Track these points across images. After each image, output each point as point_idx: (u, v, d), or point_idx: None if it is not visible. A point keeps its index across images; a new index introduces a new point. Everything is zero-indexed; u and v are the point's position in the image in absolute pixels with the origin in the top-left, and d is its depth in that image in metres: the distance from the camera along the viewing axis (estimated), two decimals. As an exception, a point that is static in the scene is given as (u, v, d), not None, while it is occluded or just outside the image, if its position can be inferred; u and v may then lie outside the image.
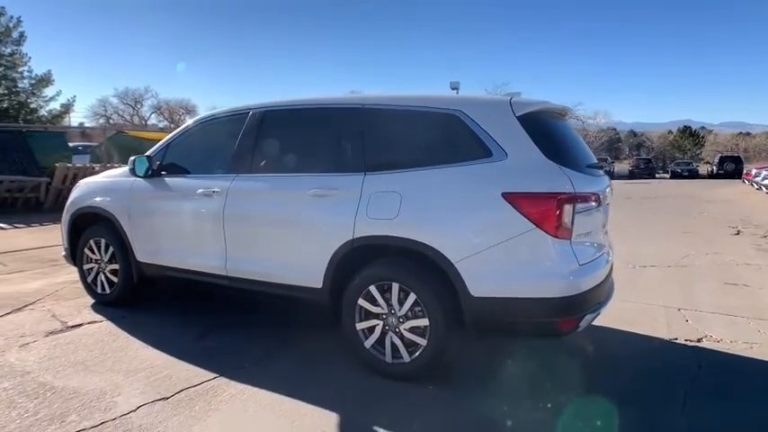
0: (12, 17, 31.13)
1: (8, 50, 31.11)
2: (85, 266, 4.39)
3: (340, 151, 3.25)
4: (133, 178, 3.97)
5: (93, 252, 4.31)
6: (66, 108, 31.71)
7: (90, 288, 4.39)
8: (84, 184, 4.46)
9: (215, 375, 3.07)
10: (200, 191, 3.64)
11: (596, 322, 4.17)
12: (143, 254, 4.01)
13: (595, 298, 2.91)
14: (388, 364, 3.03)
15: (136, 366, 3.16)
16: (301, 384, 2.98)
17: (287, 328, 3.88)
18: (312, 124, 3.44)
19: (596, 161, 3.42)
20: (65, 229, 4.49)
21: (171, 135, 4.06)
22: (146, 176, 3.88)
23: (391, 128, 3.16)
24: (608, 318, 4.31)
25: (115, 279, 4.21)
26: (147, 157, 3.90)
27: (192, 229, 3.73)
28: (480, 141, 2.85)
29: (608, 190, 3.35)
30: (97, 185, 4.33)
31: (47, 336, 3.61)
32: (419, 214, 2.89)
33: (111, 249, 4.18)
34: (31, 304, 4.31)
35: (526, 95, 3.30)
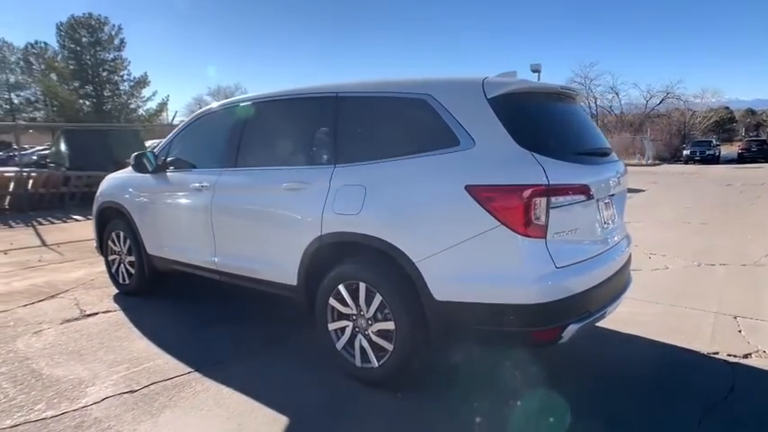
0: (113, 25, 34.35)
1: (111, 56, 34.42)
2: (110, 257, 4.64)
3: (314, 143, 3.09)
4: (143, 174, 4.09)
5: (115, 244, 4.53)
6: (162, 107, 34.46)
7: (114, 278, 4.63)
8: (108, 179, 4.70)
9: (191, 370, 3.08)
10: (193, 185, 3.67)
11: (621, 328, 3.74)
12: (152, 247, 4.14)
13: (586, 304, 2.53)
14: (358, 368, 2.86)
15: (123, 357, 3.26)
16: (272, 384, 2.90)
17: (285, 323, 3.82)
18: (290, 115, 3.32)
19: (601, 147, 2.97)
20: (93, 221, 4.78)
21: (175, 130, 4.14)
22: (148, 172, 3.98)
23: (361, 116, 2.95)
24: (639, 322, 3.82)
25: (133, 270, 4.40)
26: (151, 152, 4.00)
27: (188, 223, 3.78)
28: (448, 128, 2.55)
29: (615, 179, 2.90)
30: (117, 180, 4.53)
31: (62, 323, 3.85)
32: (381, 210, 2.67)
33: (128, 242, 4.37)
34: (64, 292, 4.64)
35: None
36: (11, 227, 8.40)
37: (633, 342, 3.52)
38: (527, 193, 2.30)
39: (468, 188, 2.40)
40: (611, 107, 45.06)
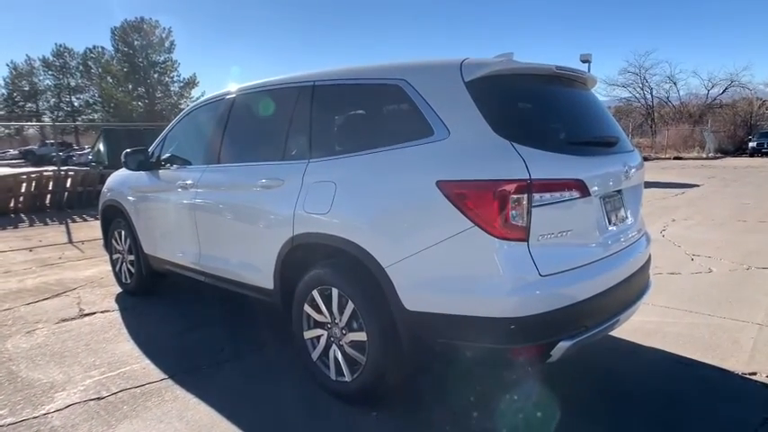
0: (164, 28, 35.73)
1: (161, 58, 35.86)
2: (113, 256, 4.62)
3: (290, 136, 2.86)
4: (137, 171, 4.01)
5: (118, 242, 4.50)
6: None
7: (117, 277, 4.61)
8: (112, 176, 4.67)
9: (165, 377, 2.94)
10: (179, 183, 3.54)
11: (645, 340, 3.31)
12: (147, 246, 4.07)
13: (581, 318, 2.17)
14: (333, 381, 2.62)
15: (103, 360, 3.16)
16: (243, 396, 2.70)
17: (275, 329, 3.63)
18: (269, 107, 3.10)
19: (607, 136, 2.57)
20: (100, 219, 4.77)
21: (168, 126, 4.03)
22: (136, 169, 3.89)
23: (335, 107, 2.70)
24: (667, 334, 3.39)
25: (133, 270, 4.35)
26: (142, 149, 3.91)
27: (175, 222, 3.65)
28: (422, 116, 2.26)
29: (625, 173, 2.51)
30: (118, 178, 4.49)
31: (57, 323, 3.82)
32: (350, 208, 2.41)
33: (128, 241, 4.32)
34: (71, 290, 4.65)
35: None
36: (46, 224, 8.71)
37: (655, 357, 3.10)
38: (503, 188, 1.98)
39: (440, 184, 2.10)
40: (668, 98, 42.53)
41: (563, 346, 2.09)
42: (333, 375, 2.61)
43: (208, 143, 3.41)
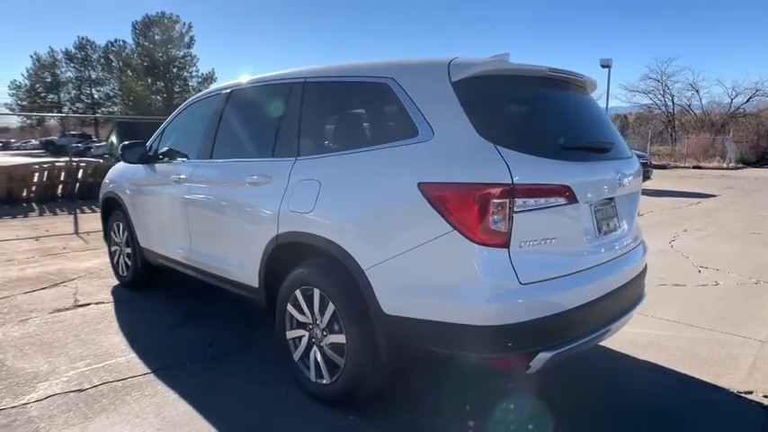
0: (184, 23, 36.16)
1: (181, 53, 36.34)
2: (111, 248, 4.64)
3: (281, 133, 2.83)
4: (135, 164, 4.02)
5: (116, 235, 4.52)
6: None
7: (115, 269, 4.63)
8: (112, 169, 4.70)
9: (148, 371, 2.93)
10: (173, 177, 3.54)
11: (640, 353, 3.21)
12: (143, 240, 4.07)
13: (564, 329, 2.10)
14: (312, 383, 2.58)
15: (90, 352, 3.17)
16: (223, 394, 2.68)
17: (267, 326, 3.60)
18: (261, 103, 3.07)
19: (602, 141, 2.49)
20: (100, 210, 4.80)
21: (167, 120, 4.04)
22: (137, 162, 3.90)
23: (325, 104, 2.67)
24: (664, 348, 3.29)
25: (130, 262, 4.36)
26: (140, 142, 3.92)
27: (168, 216, 3.65)
28: (408, 116, 2.21)
29: (618, 180, 2.43)
30: (117, 170, 4.51)
31: (51, 313, 3.85)
32: (333, 208, 2.37)
33: (126, 233, 4.34)
34: (69, 281, 4.69)
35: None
36: (56, 214, 8.83)
37: (648, 371, 3.01)
38: (484, 192, 1.92)
39: (421, 186, 2.05)
40: (689, 105, 41.68)
41: (543, 357, 2.02)
42: (313, 377, 2.57)
43: (202, 138, 3.40)
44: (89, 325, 3.62)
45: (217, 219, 3.16)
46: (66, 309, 3.95)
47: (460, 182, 1.97)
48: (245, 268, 2.91)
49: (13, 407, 2.53)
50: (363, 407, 2.48)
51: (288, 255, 2.65)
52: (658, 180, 16.68)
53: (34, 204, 9.66)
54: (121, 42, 38.54)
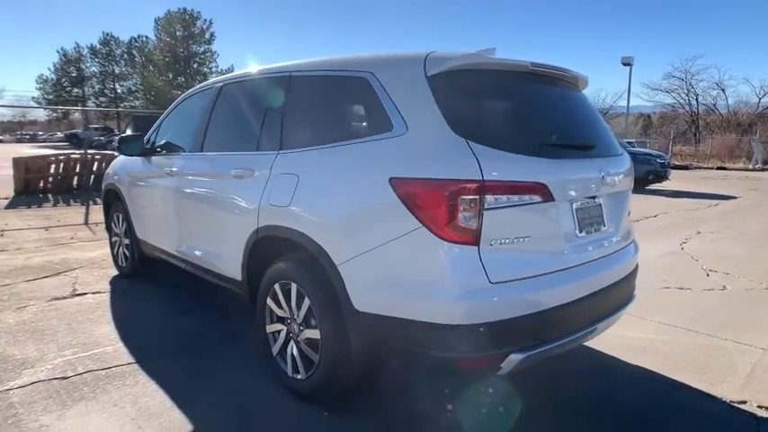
0: (205, 20, 36.63)
1: (201, 49, 36.81)
2: (112, 239, 4.71)
3: (265, 126, 2.82)
4: (132, 157, 4.07)
5: (116, 226, 4.58)
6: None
7: (114, 259, 4.70)
8: (114, 161, 4.76)
9: (133, 361, 2.95)
10: (166, 169, 3.56)
11: (633, 357, 3.12)
12: (140, 231, 4.12)
13: (537, 331, 2.05)
14: (288, 378, 2.57)
15: (79, 340, 3.21)
16: (202, 386, 2.69)
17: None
18: (249, 97, 3.07)
19: (585, 139, 2.41)
20: (102, 202, 4.87)
21: (165, 112, 4.07)
22: (133, 155, 3.94)
23: (307, 98, 2.64)
24: (659, 353, 3.19)
25: (128, 253, 4.41)
26: (138, 135, 3.96)
27: (162, 208, 3.68)
28: (384, 111, 2.17)
29: (602, 178, 2.35)
30: (118, 163, 4.57)
31: (48, 301, 3.91)
32: (309, 202, 2.35)
33: (125, 224, 4.39)
34: (71, 270, 4.77)
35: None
36: (69, 205, 9.01)
37: (638, 376, 2.92)
38: (453, 189, 1.87)
39: (392, 181, 2.02)
40: (715, 105, 40.59)
41: (514, 358, 1.97)
42: (289, 372, 2.56)
43: (194, 131, 3.41)
44: (83, 314, 3.67)
45: (204, 211, 3.17)
46: (64, 297, 4.02)
47: (430, 177, 1.93)
48: (229, 261, 2.92)
49: (-5, 392, 2.57)
50: (338, 403, 2.46)
51: (268, 248, 2.65)
52: (678, 181, 16.29)
53: (50, 195, 9.88)
54: (144, 38, 39.39)
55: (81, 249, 5.63)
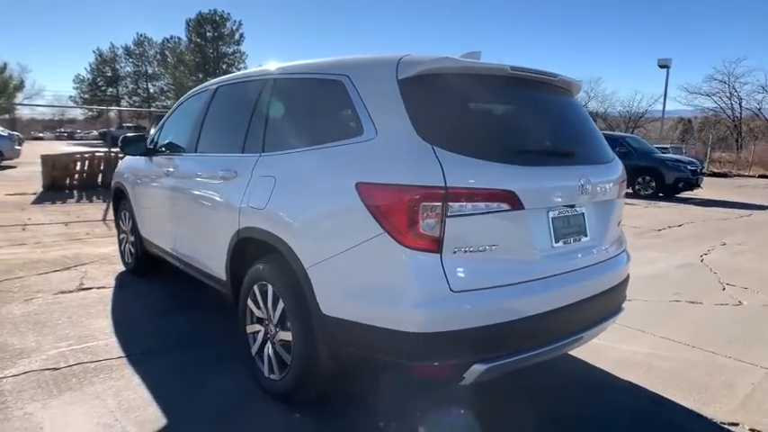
0: (235, 21, 37.37)
1: (230, 50, 37.55)
2: (120, 236, 4.84)
3: (250, 129, 2.86)
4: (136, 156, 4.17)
5: (123, 223, 4.71)
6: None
7: (122, 256, 4.84)
8: (121, 161, 4.90)
9: (123, 355, 3.03)
10: (164, 170, 3.65)
11: (626, 372, 3.03)
12: (143, 229, 4.22)
13: (505, 341, 2.02)
14: (265, 378, 2.60)
15: (76, 333, 3.31)
16: (184, 382, 2.75)
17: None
18: (237, 100, 3.13)
19: (562, 146, 2.36)
20: (111, 200, 5.02)
21: (168, 113, 4.16)
22: (135, 154, 4.05)
23: (288, 101, 2.67)
24: (653, 369, 3.09)
25: (134, 250, 4.53)
26: (140, 135, 4.07)
27: (159, 207, 3.78)
28: (356, 114, 2.18)
29: (581, 187, 2.28)
30: (126, 161, 4.69)
31: (54, 294, 4.05)
32: (283, 205, 2.38)
33: (131, 222, 4.51)
34: (81, 265, 4.93)
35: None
36: (91, 201, 9.31)
37: (626, 392, 2.83)
38: (414, 195, 1.86)
39: (359, 186, 2.02)
40: (759, 109, 38.91)
41: (477, 369, 1.95)
42: (266, 372, 2.59)
43: (190, 132, 3.49)
44: (85, 308, 3.79)
45: (195, 211, 3.24)
46: (70, 291, 4.15)
47: (393, 183, 1.93)
48: (216, 261, 2.97)
49: (-12, 380, 2.68)
50: (312, 405, 2.47)
51: (249, 250, 2.68)
52: (711, 189, 15.74)
53: (75, 192, 10.23)
54: (176, 39, 40.50)
55: (94, 245, 5.81)
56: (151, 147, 4.02)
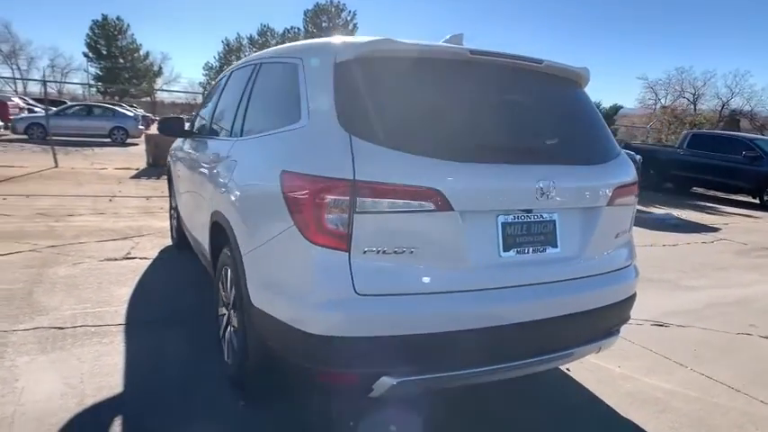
0: (349, 11, 38.50)
1: (342, 41, 38.92)
2: (170, 212, 5.20)
3: (238, 113, 2.86)
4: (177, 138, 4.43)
5: (172, 200, 5.05)
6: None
7: (171, 230, 5.19)
8: (175, 142, 5.22)
9: (122, 323, 3.24)
10: (188, 151, 3.83)
11: (626, 410, 2.60)
12: (179, 207, 4.48)
13: (423, 355, 1.81)
14: (224, 362, 2.62)
15: (97, 298, 3.60)
16: (162, 356, 2.87)
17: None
18: (237, 84, 3.14)
19: (516, 142, 2.03)
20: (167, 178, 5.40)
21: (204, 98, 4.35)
22: (171, 135, 4.27)
23: (261, 86, 2.63)
24: (670, 411, 2.64)
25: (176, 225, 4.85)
26: (175, 117, 4.30)
27: (183, 188, 3.97)
28: (298, 100, 2.07)
29: (539, 189, 1.95)
30: (176, 143, 4.99)
31: (100, 261, 4.46)
32: (234, 191, 2.35)
33: (173, 198, 4.82)
34: (138, 236, 5.38)
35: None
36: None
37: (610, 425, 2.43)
38: (320, 187, 1.72)
39: (282, 175, 1.92)
40: None
41: (386, 382, 1.77)
42: (225, 356, 2.60)
43: (208, 116, 3.61)
44: (119, 275, 4.12)
45: (195, 192, 3.35)
46: (115, 259, 4.54)
47: (304, 173, 1.80)
48: (205, 244, 3.05)
49: (4, 331, 3.01)
50: (259, 394, 2.44)
51: (220, 233, 2.70)
52: None
53: (173, 169, 11.24)
54: (296, 29, 42.69)
55: (159, 219, 6.31)
56: (187, 129, 4.23)
